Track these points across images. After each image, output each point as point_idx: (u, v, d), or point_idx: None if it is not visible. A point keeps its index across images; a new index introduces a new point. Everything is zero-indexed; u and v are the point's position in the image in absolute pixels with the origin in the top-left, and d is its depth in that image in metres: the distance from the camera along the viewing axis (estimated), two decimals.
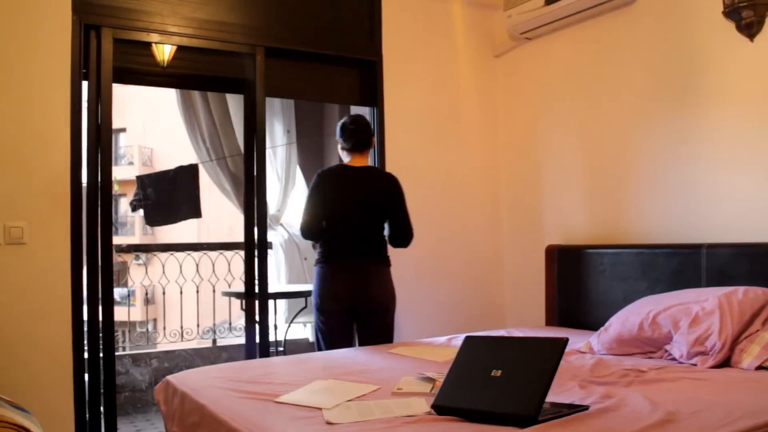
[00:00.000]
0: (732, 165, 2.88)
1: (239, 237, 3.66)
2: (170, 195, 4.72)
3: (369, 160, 3.15)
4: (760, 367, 2.21)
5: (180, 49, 3.22)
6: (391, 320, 3.08)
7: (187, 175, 4.71)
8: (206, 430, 1.93)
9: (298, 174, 5.11)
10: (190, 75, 3.38)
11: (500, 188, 4.14)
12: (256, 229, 3.36)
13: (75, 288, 2.89)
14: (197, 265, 5.01)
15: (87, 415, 2.93)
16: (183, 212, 4.73)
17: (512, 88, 4.07)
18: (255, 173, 3.36)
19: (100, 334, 2.97)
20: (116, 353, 3.27)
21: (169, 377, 2.36)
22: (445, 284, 3.90)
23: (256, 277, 3.35)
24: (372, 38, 3.73)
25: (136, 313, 12.91)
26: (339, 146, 3.10)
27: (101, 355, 2.98)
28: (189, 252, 5.03)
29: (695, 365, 2.32)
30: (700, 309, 2.42)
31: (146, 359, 4.35)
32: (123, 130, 16.28)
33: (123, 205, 15.31)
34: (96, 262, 2.97)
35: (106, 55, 2.98)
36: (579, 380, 2.15)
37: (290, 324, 4.72)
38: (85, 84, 2.99)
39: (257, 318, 3.37)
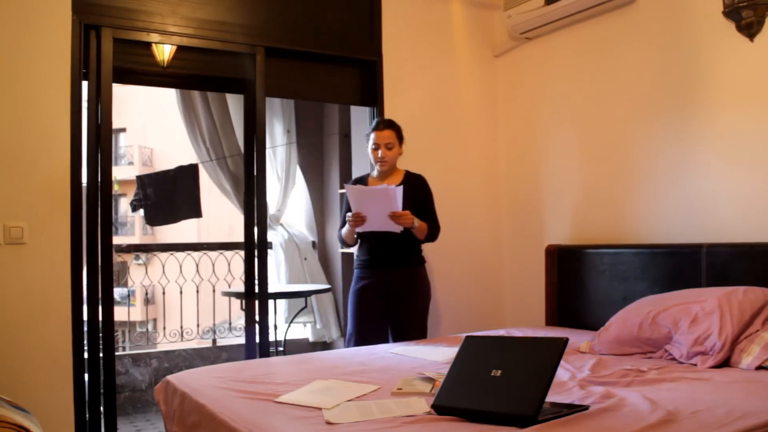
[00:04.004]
0: (732, 165, 2.88)
1: (239, 237, 3.66)
2: (170, 195, 4.72)
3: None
4: (760, 367, 2.21)
5: (180, 49, 3.22)
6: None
7: (187, 175, 4.71)
8: (206, 430, 1.93)
9: (298, 174, 5.11)
10: (190, 75, 3.38)
11: (500, 188, 4.14)
12: (256, 229, 3.36)
13: (75, 288, 2.89)
14: (197, 265, 5.00)
15: (87, 415, 2.93)
16: (183, 212, 4.73)
17: (512, 88, 4.07)
18: (255, 173, 3.36)
19: (100, 334, 2.97)
20: (116, 353, 3.27)
21: (169, 377, 2.36)
22: (445, 284, 3.90)
23: (256, 277, 3.35)
24: (372, 38, 3.72)
25: (136, 313, 12.90)
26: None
27: (101, 355, 2.98)
28: (189, 252, 5.03)
29: (695, 365, 2.32)
30: (700, 309, 2.42)
31: (146, 359, 4.34)
32: (123, 130, 16.28)
33: (123, 205, 15.31)
34: (96, 262, 2.97)
35: (106, 55, 2.98)
36: (579, 380, 2.15)
37: (290, 324, 4.73)
38: (85, 84, 2.99)
39: (257, 318, 3.37)
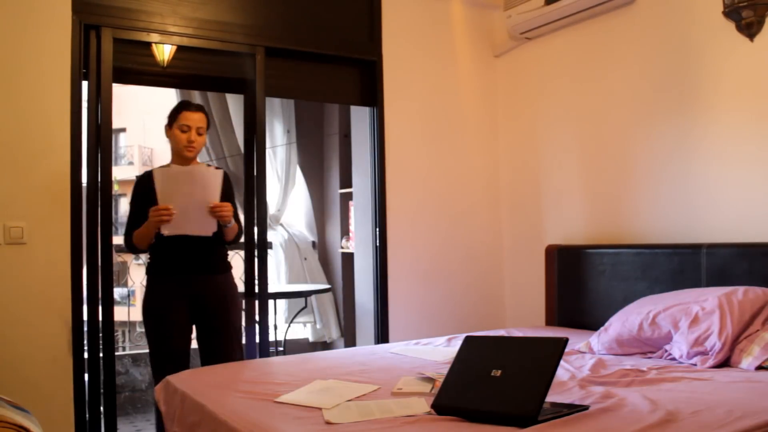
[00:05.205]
0: (732, 165, 2.88)
1: None
2: None
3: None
4: (760, 367, 2.21)
5: (180, 49, 3.22)
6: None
7: None
8: (206, 430, 1.93)
9: (298, 174, 5.12)
10: (190, 75, 3.38)
11: (500, 188, 4.14)
12: (256, 229, 3.36)
13: (75, 288, 2.89)
14: None
15: (87, 415, 2.93)
16: None
17: (512, 88, 4.07)
18: (255, 173, 3.36)
19: (100, 334, 2.97)
20: (116, 353, 3.27)
21: (169, 377, 2.36)
22: (445, 284, 3.89)
23: (256, 277, 3.35)
24: (372, 38, 3.72)
25: (136, 313, 12.85)
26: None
27: (101, 355, 2.98)
28: None
29: (695, 365, 2.32)
30: (700, 309, 2.42)
31: (146, 359, 4.34)
32: (123, 130, 16.30)
33: (123, 205, 15.31)
34: (96, 262, 2.97)
35: (106, 55, 2.98)
36: (579, 380, 2.15)
37: (290, 324, 4.73)
38: (85, 84, 2.99)
39: (257, 318, 3.37)
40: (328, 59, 3.63)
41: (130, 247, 2.74)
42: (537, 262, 3.78)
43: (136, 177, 2.75)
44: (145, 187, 2.72)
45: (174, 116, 2.73)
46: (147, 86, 3.47)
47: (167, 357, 2.66)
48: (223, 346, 2.76)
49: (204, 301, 2.74)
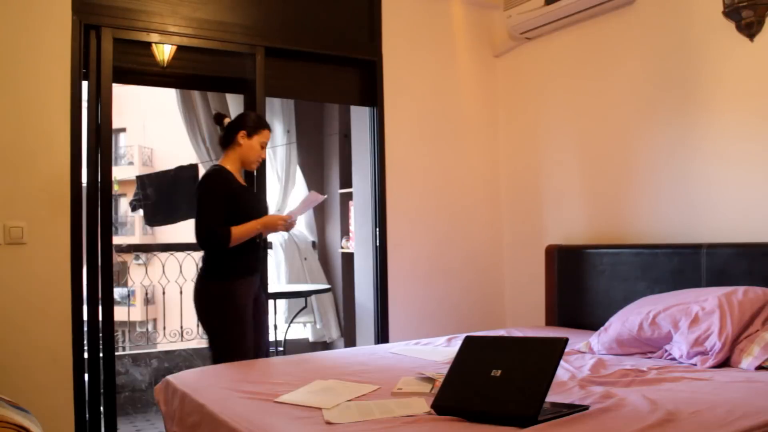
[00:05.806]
0: (732, 165, 2.88)
1: None
2: (170, 195, 4.72)
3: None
4: (760, 367, 2.21)
5: (180, 49, 3.22)
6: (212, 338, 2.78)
7: (187, 175, 4.71)
8: (206, 430, 1.93)
9: (298, 174, 5.12)
10: (190, 75, 3.38)
11: (500, 188, 4.14)
12: None
13: (75, 288, 2.89)
14: (197, 265, 5.00)
15: (87, 415, 2.94)
16: (183, 212, 4.73)
17: (512, 88, 4.07)
18: (255, 173, 3.36)
19: (100, 334, 2.97)
20: (116, 353, 3.27)
21: (169, 377, 2.36)
22: (445, 284, 3.90)
23: None
24: (372, 38, 3.73)
25: (136, 313, 12.89)
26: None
27: (101, 355, 2.98)
28: (189, 252, 5.02)
29: (695, 365, 2.32)
30: (700, 309, 2.42)
31: (146, 359, 4.34)
32: (123, 130, 16.29)
33: (123, 205, 15.31)
34: (96, 262, 2.97)
35: (106, 55, 2.98)
36: (579, 380, 2.15)
37: (290, 324, 4.73)
38: (85, 84, 2.99)
39: None
40: (328, 59, 3.63)
41: (222, 243, 2.65)
42: (537, 262, 3.78)
43: (210, 173, 2.75)
44: (227, 183, 2.75)
45: (258, 129, 2.83)
46: (147, 86, 3.47)
47: (245, 355, 2.70)
48: (264, 342, 2.93)
49: (259, 294, 2.92)
